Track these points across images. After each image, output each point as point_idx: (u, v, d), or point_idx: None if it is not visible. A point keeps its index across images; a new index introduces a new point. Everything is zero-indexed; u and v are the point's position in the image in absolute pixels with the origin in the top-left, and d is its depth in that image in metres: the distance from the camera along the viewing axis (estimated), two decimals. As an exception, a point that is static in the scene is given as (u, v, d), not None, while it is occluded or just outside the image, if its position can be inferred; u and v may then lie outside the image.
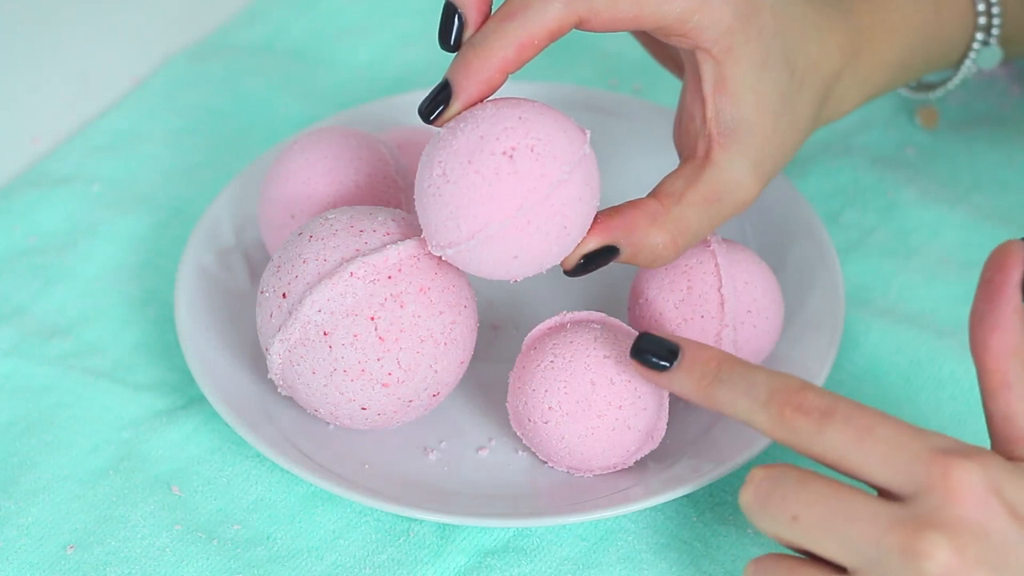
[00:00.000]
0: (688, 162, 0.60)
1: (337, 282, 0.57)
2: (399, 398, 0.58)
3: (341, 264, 0.57)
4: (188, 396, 0.64)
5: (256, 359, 0.64)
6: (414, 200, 0.57)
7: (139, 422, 0.63)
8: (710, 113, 0.59)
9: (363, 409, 0.58)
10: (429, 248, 0.57)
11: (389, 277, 0.57)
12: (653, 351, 0.56)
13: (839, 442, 0.50)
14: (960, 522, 0.48)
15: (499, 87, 0.57)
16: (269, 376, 0.59)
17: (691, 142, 0.60)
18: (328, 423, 0.62)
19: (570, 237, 0.57)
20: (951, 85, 0.71)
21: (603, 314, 0.60)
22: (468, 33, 0.57)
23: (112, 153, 0.77)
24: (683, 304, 0.61)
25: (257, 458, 0.62)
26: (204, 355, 0.62)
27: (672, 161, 0.72)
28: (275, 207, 0.64)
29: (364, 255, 0.57)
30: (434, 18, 0.86)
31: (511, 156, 0.55)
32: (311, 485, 0.61)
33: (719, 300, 0.60)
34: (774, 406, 0.51)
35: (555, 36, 0.56)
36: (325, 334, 0.57)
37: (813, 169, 0.75)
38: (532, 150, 0.55)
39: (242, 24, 0.85)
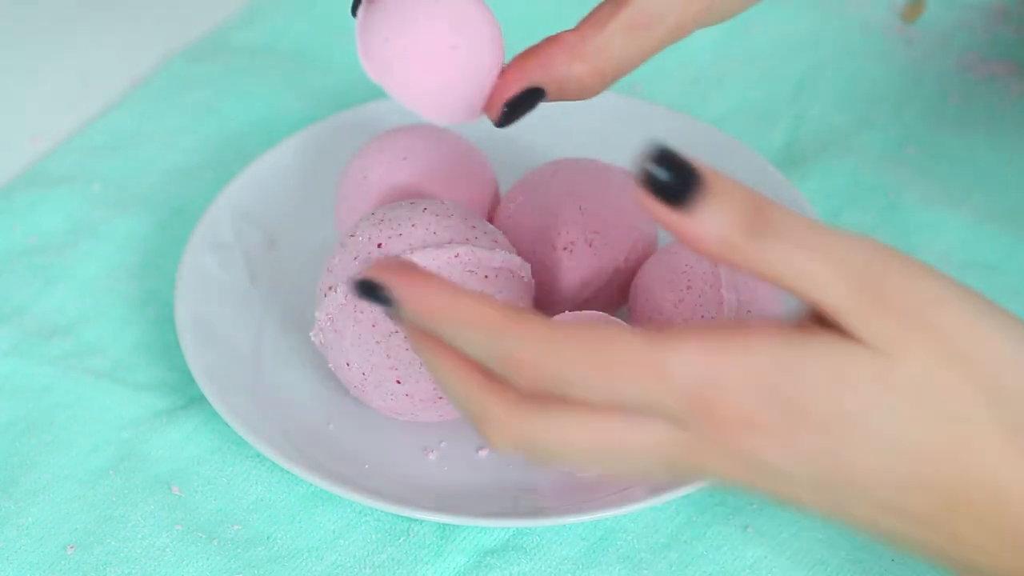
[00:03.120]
0: None
1: (440, 256, 0.58)
2: (435, 388, 0.58)
3: (451, 243, 0.58)
4: (188, 396, 0.64)
5: (256, 359, 0.64)
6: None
7: (139, 422, 0.63)
8: None
9: (397, 382, 0.58)
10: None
11: (485, 276, 0.58)
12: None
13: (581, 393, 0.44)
14: (733, 438, 0.44)
15: None
16: (316, 313, 0.59)
17: None
18: (327, 423, 0.62)
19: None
20: None
21: (603, 314, 0.60)
22: None
23: (112, 153, 0.77)
24: (683, 304, 0.61)
25: (257, 458, 0.62)
26: (204, 355, 0.62)
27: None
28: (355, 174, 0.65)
29: (474, 246, 0.58)
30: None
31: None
32: (311, 485, 0.61)
33: (719, 300, 0.60)
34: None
35: None
36: None
37: (813, 169, 0.75)
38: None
39: (242, 24, 0.85)
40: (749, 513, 0.60)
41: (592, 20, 0.56)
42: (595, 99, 0.74)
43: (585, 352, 0.44)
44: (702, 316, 0.60)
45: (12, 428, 0.63)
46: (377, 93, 0.79)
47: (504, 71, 0.56)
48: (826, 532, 0.59)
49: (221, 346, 0.63)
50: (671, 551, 0.59)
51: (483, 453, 0.61)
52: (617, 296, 0.64)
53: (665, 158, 0.43)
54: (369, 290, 0.46)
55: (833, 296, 0.43)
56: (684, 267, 0.61)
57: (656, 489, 0.58)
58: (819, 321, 0.44)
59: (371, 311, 0.58)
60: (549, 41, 0.56)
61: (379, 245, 0.58)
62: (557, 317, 0.60)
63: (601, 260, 0.63)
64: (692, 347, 0.43)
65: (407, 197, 0.64)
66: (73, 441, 0.63)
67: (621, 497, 0.58)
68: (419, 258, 0.57)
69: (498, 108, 0.56)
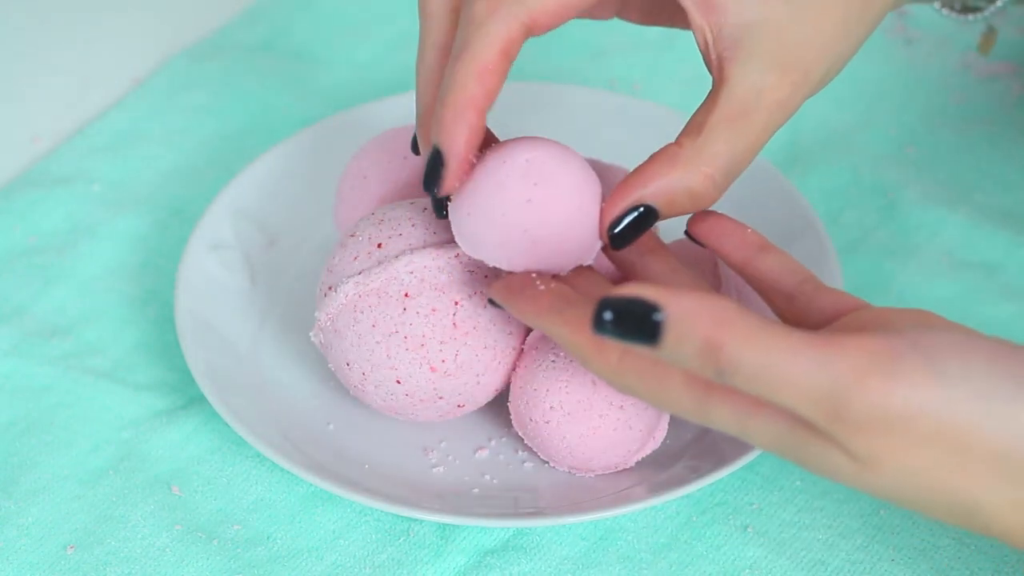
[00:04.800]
0: (708, 94, 0.55)
1: (440, 255, 0.57)
2: (435, 388, 0.58)
3: (451, 242, 0.58)
4: (188, 396, 0.64)
5: (256, 359, 0.64)
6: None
7: (139, 422, 0.63)
8: (710, 38, 0.55)
9: (397, 382, 0.58)
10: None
11: (485, 276, 0.58)
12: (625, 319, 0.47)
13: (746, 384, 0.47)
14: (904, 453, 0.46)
15: (482, 129, 0.55)
16: (316, 313, 0.59)
17: (712, 75, 0.56)
18: (327, 423, 0.62)
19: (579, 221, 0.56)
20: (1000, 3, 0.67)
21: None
22: (449, 178, 0.55)
23: (112, 153, 0.77)
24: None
25: (257, 458, 0.62)
26: (204, 355, 0.62)
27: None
28: (354, 175, 0.65)
29: None
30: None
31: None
32: (311, 485, 0.61)
33: (719, 300, 0.60)
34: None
35: (509, 53, 0.54)
36: (406, 296, 0.57)
37: (813, 169, 0.75)
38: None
39: (242, 24, 0.85)
40: (749, 513, 0.60)
41: (689, 126, 0.55)
42: (595, 99, 0.75)
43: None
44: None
45: (12, 428, 0.63)
46: (377, 93, 0.80)
47: (609, 194, 0.56)
48: (826, 533, 0.59)
49: (221, 346, 0.63)
50: (671, 551, 0.58)
51: (483, 453, 0.61)
52: None
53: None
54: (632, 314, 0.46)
55: (806, 415, 0.46)
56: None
57: (656, 489, 0.58)
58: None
59: (371, 311, 0.58)
60: (651, 158, 0.55)
61: (379, 245, 0.58)
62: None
63: (601, 259, 0.63)
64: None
65: (407, 197, 0.64)
66: (73, 441, 0.63)
67: (621, 497, 0.58)
68: (419, 258, 0.57)
69: (604, 233, 0.55)
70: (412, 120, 0.70)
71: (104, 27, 0.85)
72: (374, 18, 0.86)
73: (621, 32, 0.83)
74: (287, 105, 0.80)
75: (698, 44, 0.55)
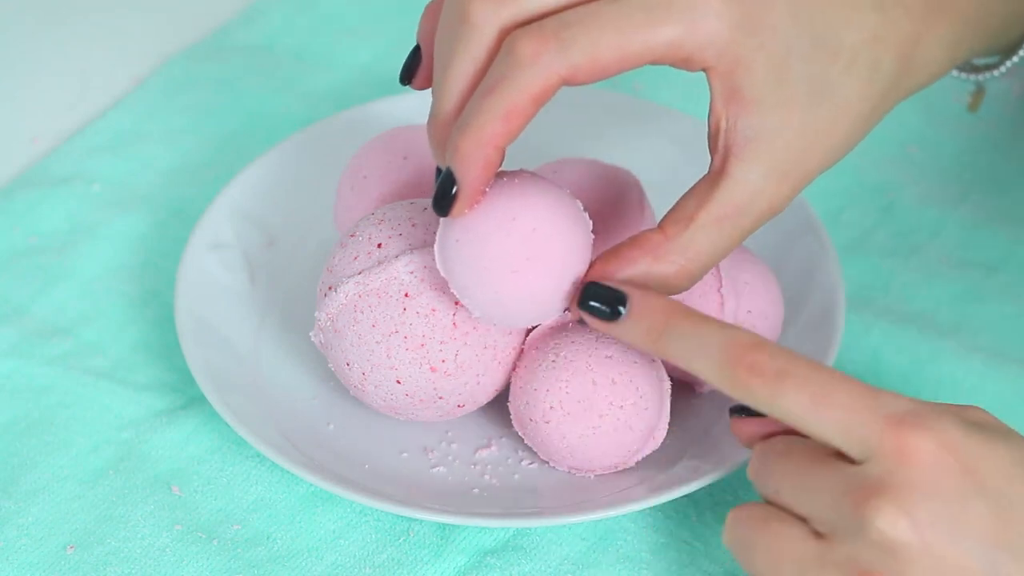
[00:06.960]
0: (704, 178, 0.55)
1: None
2: (435, 388, 0.58)
3: None
4: (188, 396, 0.64)
5: (256, 359, 0.64)
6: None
7: (139, 422, 0.63)
8: (723, 126, 0.54)
9: (397, 382, 0.58)
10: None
11: None
12: (600, 300, 0.54)
13: (795, 406, 0.50)
14: (910, 484, 0.48)
15: (499, 163, 0.54)
16: (316, 313, 0.59)
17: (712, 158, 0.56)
18: (327, 423, 0.62)
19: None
20: (1014, 60, 0.66)
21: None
22: (459, 204, 0.55)
23: (112, 153, 0.77)
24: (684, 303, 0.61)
25: (257, 458, 0.62)
26: (204, 355, 0.62)
27: (671, 160, 0.72)
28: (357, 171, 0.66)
29: None
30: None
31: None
32: (311, 485, 0.61)
33: (719, 300, 0.60)
34: (727, 366, 0.51)
35: (541, 101, 0.53)
36: (406, 296, 0.57)
37: (813, 169, 0.75)
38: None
39: (242, 24, 0.85)
40: (749, 513, 0.60)
41: (677, 217, 0.55)
42: (595, 99, 0.75)
43: (811, 365, 0.50)
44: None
45: (12, 428, 0.63)
46: (377, 93, 0.80)
47: (586, 274, 0.56)
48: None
49: (221, 346, 0.63)
50: (671, 551, 0.59)
51: (483, 453, 0.61)
52: None
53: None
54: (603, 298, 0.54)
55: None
56: (684, 267, 0.61)
57: (656, 489, 0.58)
58: None
59: (371, 311, 0.58)
60: (632, 242, 0.56)
61: (379, 245, 0.58)
62: (557, 317, 0.60)
63: None
64: (904, 397, 0.50)
65: (407, 197, 0.64)
66: (73, 441, 0.63)
67: (621, 497, 0.58)
68: (419, 258, 0.57)
69: (575, 311, 0.56)
70: (412, 120, 0.70)
71: (104, 27, 0.86)
72: (374, 18, 0.86)
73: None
74: (287, 105, 0.80)
75: (709, 125, 0.55)
